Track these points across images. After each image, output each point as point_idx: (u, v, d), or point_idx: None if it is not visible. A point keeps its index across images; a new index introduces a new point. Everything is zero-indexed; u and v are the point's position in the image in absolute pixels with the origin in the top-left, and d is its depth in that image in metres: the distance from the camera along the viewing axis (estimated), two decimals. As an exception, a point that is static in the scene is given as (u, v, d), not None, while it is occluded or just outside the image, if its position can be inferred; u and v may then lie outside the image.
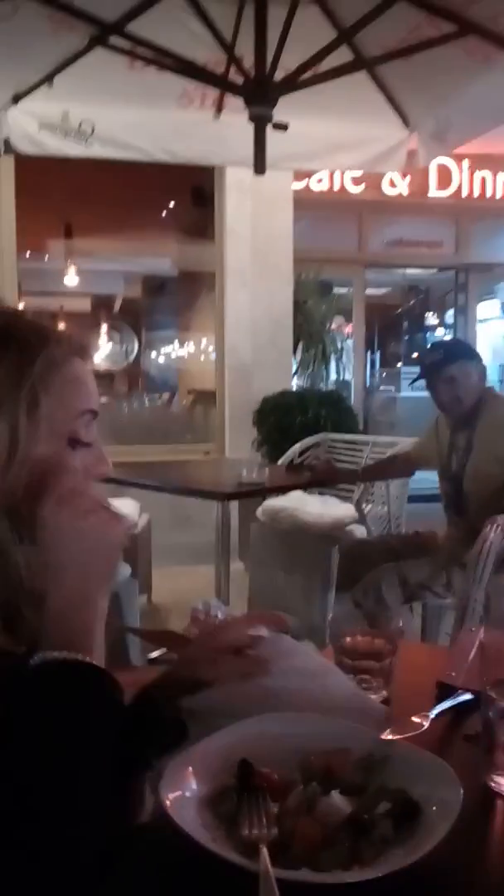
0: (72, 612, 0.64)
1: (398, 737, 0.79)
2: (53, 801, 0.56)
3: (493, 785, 0.77)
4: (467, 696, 0.95)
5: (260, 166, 2.85)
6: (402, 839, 0.64)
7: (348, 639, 1.01)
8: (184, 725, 0.74)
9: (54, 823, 0.56)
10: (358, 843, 0.63)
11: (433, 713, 0.89)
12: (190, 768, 0.70)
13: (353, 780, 0.71)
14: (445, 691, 0.98)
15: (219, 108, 3.55)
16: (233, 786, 0.69)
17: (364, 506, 3.53)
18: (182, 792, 0.68)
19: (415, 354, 9.16)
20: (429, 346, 2.82)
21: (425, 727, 0.83)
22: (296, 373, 5.93)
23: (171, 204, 6.66)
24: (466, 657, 1.06)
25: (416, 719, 0.84)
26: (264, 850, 0.60)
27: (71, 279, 6.83)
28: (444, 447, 2.63)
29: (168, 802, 0.65)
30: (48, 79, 3.18)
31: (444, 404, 2.54)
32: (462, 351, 2.60)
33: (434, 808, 0.66)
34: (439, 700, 0.95)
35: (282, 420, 4.71)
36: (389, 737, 0.79)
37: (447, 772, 0.69)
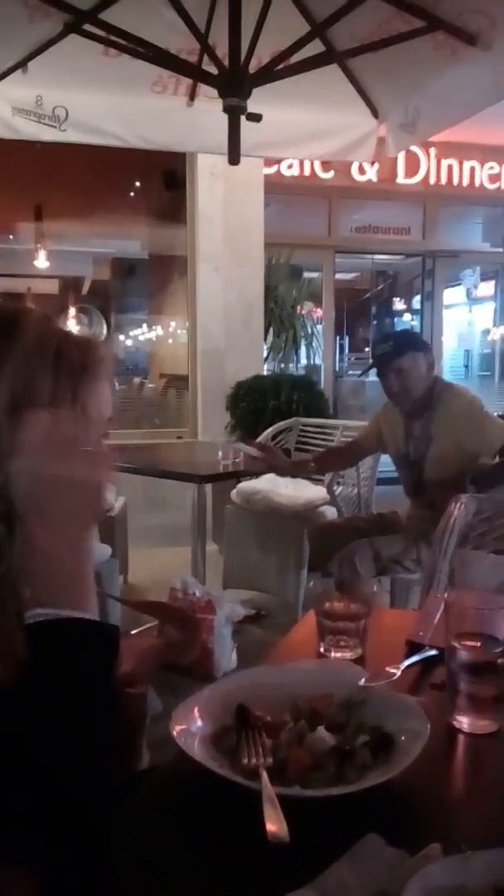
0: (60, 552, 0.67)
1: (373, 683, 0.90)
2: (65, 767, 0.62)
3: (455, 723, 0.88)
4: (433, 653, 1.07)
5: (234, 157, 2.91)
6: (379, 764, 0.75)
7: (327, 603, 1.12)
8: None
9: (67, 785, 0.62)
10: (342, 768, 0.74)
11: (404, 664, 1.00)
12: (195, 710, 0.80)
13: (336, 720, 0.81)
14: (414, 648, 1.09)
15: (192, 96, 3.59)
16: (232, 726, 0.80)
17: (335, 488, 3.65)
18: (189, 728, 0.78)
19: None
20: (379, 337, 2.88)
21: (397, 675, 0.94)
22: (267, 357, 6.01)
23: (142, 187, 6.66)
24: (433, 619, 1.18)
25: (388, 669, 0.95)
26: (264, 773, 0.70)
27: (39, 261, 6.79)
28: (397, 436, 2.71)
29: (179, 738, 0.75)
30: (22, 64, 3.20)
31: (394, 394, 2.61)
32: (411, 342, 2.65)
33: (404, 738, 0.77)
34: (408, 656, 1.06)
35: (255, 404, 4.80)
36: (365, 683, 0.90)
37: (416, 708, 0.81)
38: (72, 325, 7.23)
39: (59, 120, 3.46)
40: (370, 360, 2.74)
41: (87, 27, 2.94)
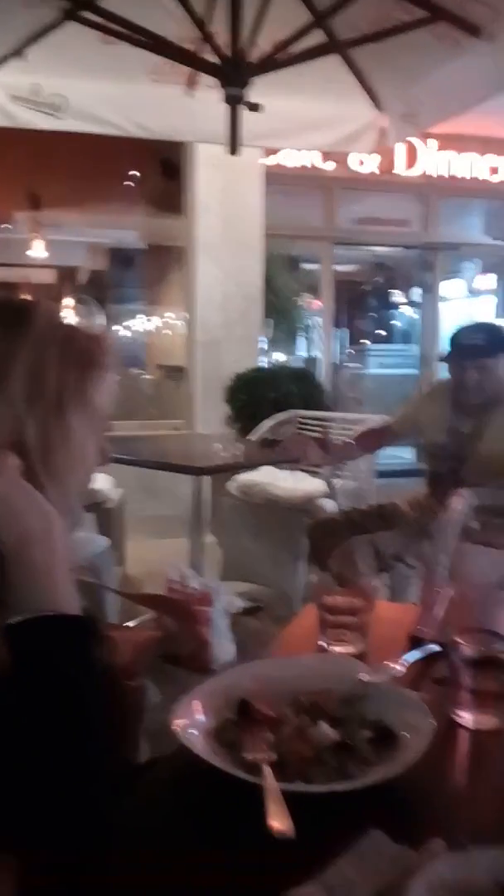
0: (27, 550, 0.67)
1: (375, 678, 0.90)
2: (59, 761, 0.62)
3: (457, 718, 0.88)
4: (435, 648, 1.07)
5: (234, 147, 2.89)
6: (382, 760, 0.74)
7: (328, 598, 1.11)
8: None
9: (64, 777, 0.62)
10: (343, 763, 0.74)
11: (406, 660, 0.99)
12: (197, 703, 0.80)
13: (338, 714, 0.81)
14: (416, 643, 1.09)
15: (191, 84, 3.56)
16: (234, 719, 0.79)
17: (334, 480, 3.65)
18: (191, 722, 0.77)
19: (381, 331, 9.29)
20: (468, 324, 2.58)
21: (399, 671, 0.94)
22: (265, 349, 6.00)
23: (140, 176, 6.61)
24: (434, 614, 1.17)
25: (392, 664, 0.95)
26: (267, 768, 0.70)
27: (36, 251, 6.75)
28: (438, 426, 2.58)
29: (181, 732, 0.74)
30: (20, 51, 3.16)
31: (466, 389, 2.44)
32: (502, 342, 2.46)
33: (408, 734, 0.77)
34: (410, 651, 1.06)
35: (253, 396, 4.79)
36: (367, 678, 0.90)
37: (419, 704, 0.80)
38: (69, 315, 7.20)
39: (57, 108, 3.43)
40: (451, 345, 2.50)
41: (85, 14, 2.91)
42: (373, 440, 2.96)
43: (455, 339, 2.51)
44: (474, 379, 2.41)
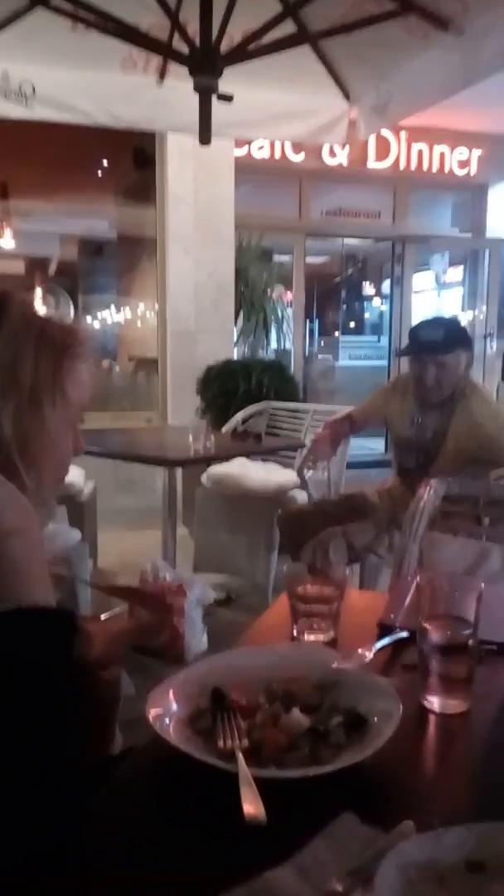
0: (5, 544, 0.68)
1: (346, 666, 0.91)
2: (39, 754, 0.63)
3: (426, 703, 0.90)
4: (404, 635, 1.09)
5: (205, 137, 2.88)
6: (353, 744, 0.76)
7: (300, 587, 1.13)
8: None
9: (43, 769, 0.63)
10: (316, 748, 0.75)
11: (376, 647, 1.01)
12: (171, 693, 0.81)
13: (310, 701, 0.83)
14: (385, 630, 1.11)
15: (162, 74, 3.54)
16: (207, 707, 0.80)
17: (305, 472, 3.67)
18: (164, 711, 0.78)
19: (352, 323, 9.34)
20: (425, 320, 2.51)
21: (369, 658, 0.96)
22: (237, 341, 6.00)
23: (111, 166, 6.54)
24: (403, 601, 1.20)
25: (361, 651, 0.96)
26: (240, 755, 0.71)
27: (5, 240, 6.65)
28: (403, 418, 2.60)
29: (155, 722, 0.75)
30: (-12, 37, 3.11)
31: (427, 385, 2.44)
32: (462, 339, 2.47)
33: (377, 719, 0.79)
34: (380, 638, 1.08)
35: (226, 388, 4.79)
36: (339, 666, 0.91)
37: (388, 689, 0.82)
38: (38, 305, 7.10)
39: (26, 96, 3.38)
40: (410, 341, 2.49)
41: (55, 1, 2.87)
42: (338, 431, 2.96)
43: (413, 336, 2.50)
44: (433, 375, 2.41)
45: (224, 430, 4.15)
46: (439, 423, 2.48)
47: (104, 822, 0.69)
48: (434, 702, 0.90)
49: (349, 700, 0.83)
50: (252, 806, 0.65)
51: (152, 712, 0.77)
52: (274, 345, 6.79)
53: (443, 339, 2.40)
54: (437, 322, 2.50)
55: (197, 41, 2.78)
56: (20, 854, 0.63)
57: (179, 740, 0.74)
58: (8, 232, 6.61)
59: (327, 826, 0.65)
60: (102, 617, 1.48)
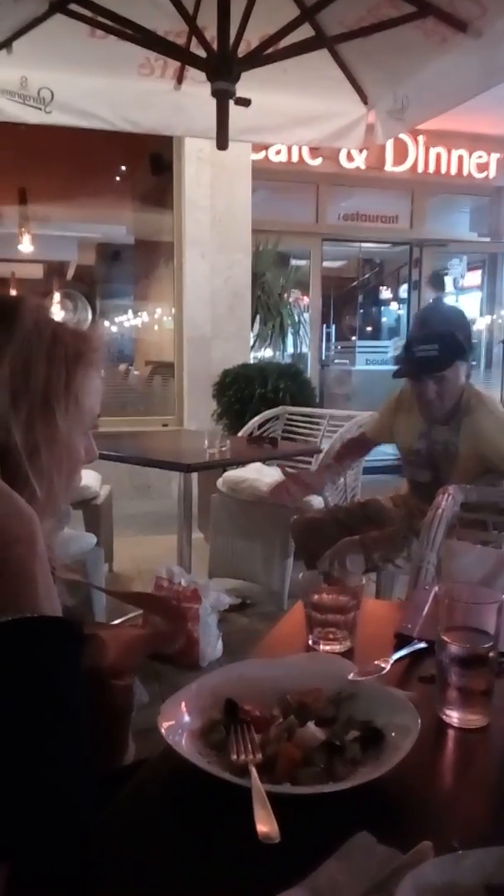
0: (9, 553, 0.66)
1: (363, 678, 0.89)
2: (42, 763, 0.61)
3: (444, 717, 0.88)
4: (422, 645, 1.07)
5: (222, 142, 2.88)
6: (369, 760, 0.74)
7: (316, 595, 1.11)
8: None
9: (48, 781, 0.61)
10: (331, 763, 0.73)
11: (393, 658, 0.99)
12: (183, 704, 0.79)
13: (326, 714, 0.81)
14: (403, 641, 1.09)
15: (180, 79, 3.55)
16: (220, 720, 0.79)
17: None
18: (177, 724, 0.77)
19: (369, 328, 9.29)
20: (419, 329, 2.33)
21: (386, 669, 0.94)
22: (253, 345, 5.99)
23: (129, 171, 6.58)
24: (421, 611, 1.17)
25: (378, 663, 0.94)
26: (253, 770, 0.69)
27: (24, 245, 6.70)
28: (411, 432, 2.53)
29: (168, 734, 0.74)
30: (7, 44, 3.14)
31: (428, 402, 2.35)
32: (458, 350, 2.33)
33: (395, 734, 0.77)
34: (397, 649, 1.06)
35: (242, 392, 4.78)
36: (355, 678, 0.89)
37: (406, 703, 0.80)
38: (56, 310, 7.15)
39: (45, 101, 3.40)
40: (406, 359, 2.37)
41: (74, 7, 2.88)
42: (354, 452, 2.94)
43: (407, 353, 2.36)
44: (434, 390, 2.32)
45: (240, 434, 4.14)
46: (448, 437, 2.41)
47: (114, 835, 0.67)
48: (453, 716, 0.87)
49: (366, 713, 0.81)
50: (266, 825, 0.63)
51: (164, 724, 0.76)
52: (290, 349, 6.78)
53: (439, 355, 2.29)
54: (430, 335, 2.32)
55: (214, 46, 2.78)
56: (31, 868, 0.62)
57: (192, 754, 0.73)
58: (27, 237, 6.67)
59: (342, 845, 0.63)
60: (117, 623, 1.47)
